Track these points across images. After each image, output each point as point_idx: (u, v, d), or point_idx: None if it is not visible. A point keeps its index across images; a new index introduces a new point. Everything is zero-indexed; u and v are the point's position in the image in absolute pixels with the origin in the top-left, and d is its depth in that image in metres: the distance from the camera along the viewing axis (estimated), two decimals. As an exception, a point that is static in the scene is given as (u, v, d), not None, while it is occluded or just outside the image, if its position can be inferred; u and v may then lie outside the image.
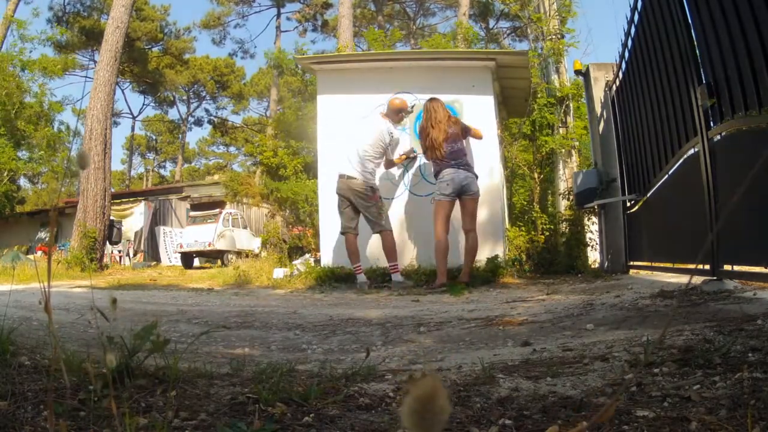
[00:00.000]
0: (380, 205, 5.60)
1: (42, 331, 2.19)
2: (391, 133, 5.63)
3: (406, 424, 0.41)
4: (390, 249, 5.55)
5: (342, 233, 5.75)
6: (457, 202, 5.42)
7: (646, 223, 5.06)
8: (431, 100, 5.56)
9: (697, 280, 3.26)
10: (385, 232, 5.54)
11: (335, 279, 5.92)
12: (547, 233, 7.53)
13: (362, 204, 5.54)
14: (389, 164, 5.99)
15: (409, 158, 6.23)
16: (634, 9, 4.61)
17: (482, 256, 6.14)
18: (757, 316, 2.01)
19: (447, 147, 5.30)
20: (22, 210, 22.85)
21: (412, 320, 3.00)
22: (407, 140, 6.50)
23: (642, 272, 5.41)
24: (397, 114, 5.74)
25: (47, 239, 18.19)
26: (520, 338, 2.27)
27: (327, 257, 6.52)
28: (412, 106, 6.18)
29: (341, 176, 5.63)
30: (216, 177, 23.84)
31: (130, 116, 37.58)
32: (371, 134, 5.61)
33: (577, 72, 6.72)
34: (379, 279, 5.83)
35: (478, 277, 5.75)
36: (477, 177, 5.44)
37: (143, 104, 40.86)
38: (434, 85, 6.65)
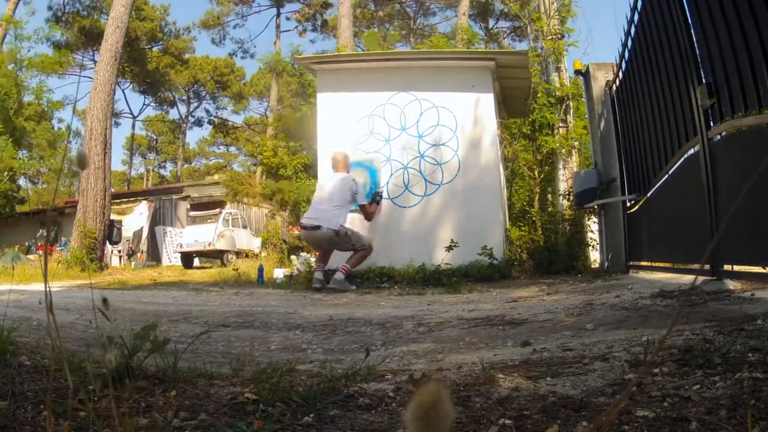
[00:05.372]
0: (350, 236, 5.45)
1: (42, 331, 2.19)
2: (354, 179, 5.63)
3: (410, 431, 0.41)
4: (357, 258, 5.48)
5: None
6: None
7: (646, 223, 5.06)
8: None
9: (697, 280, 3.26)
10: (363, 251, 5.51)
11: (335, 279, 5.91)
12: (548, 233, 7.53)
13: (334, 244, 5.49)
14: (369, 215, 5.76)
15: (377, 200, 5.87)
16: (634, 9, 4.61)
17: (483, 255, 6.14)
18: (757, 316, 2.01)
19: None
20: (22, 210, 22.82)
21: (412, 320, 3.00)
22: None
23: (642, 272, 5.41)
24: (348, 164, 5.81)
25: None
26: (520, 338, 2.27)
27: (327, 257, 6.52)
28: None
29: (303, 227, 5.57)
30: (216, 177, 23.81)
31: (131, 116, 37.62)
32: (333, 185, 5.54)
33: (577, 72, 6.72)
34: (377, 280, 5.85)
35: (477, 276, 5.75)
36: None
37: (143, 104, 40.88)
38: (434, 85, 6.66)
